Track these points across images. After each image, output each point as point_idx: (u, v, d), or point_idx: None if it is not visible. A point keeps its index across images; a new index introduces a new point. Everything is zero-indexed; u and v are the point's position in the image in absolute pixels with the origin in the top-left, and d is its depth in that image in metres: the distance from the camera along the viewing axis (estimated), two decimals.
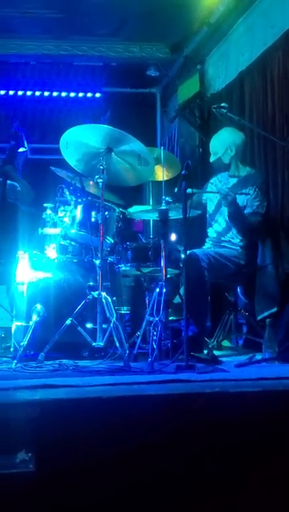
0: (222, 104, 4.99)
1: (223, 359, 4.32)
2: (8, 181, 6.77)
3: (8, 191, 6.85)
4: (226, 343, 5.24)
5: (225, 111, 4.93)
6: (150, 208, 5.14)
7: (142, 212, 4.91)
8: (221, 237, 5.06)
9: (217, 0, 6.63)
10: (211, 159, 5.21)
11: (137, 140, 4.46)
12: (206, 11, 6.87)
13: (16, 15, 7.27)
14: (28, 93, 8.83)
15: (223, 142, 5.13)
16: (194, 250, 4.72)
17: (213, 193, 5.15)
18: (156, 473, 2.87)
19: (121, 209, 5.01)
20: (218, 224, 5.11)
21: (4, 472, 2.60)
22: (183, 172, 4.22)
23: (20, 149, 8.17)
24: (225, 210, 4.97)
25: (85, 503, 2.74)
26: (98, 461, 2.80)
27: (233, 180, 5.12)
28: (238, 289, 5.19)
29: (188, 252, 4.33)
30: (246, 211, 4.91)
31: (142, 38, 8.05)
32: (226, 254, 4.87)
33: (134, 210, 5.18)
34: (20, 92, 8.81)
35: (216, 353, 4.46)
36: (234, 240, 5.00)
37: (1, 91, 8.72)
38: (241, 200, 4.88)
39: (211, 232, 5.17)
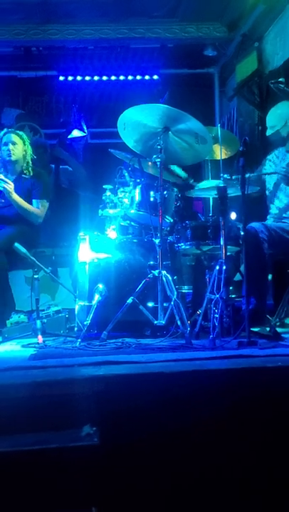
0: (280, 79, 4.95)
1: (286, 336, 4.28)
2: (60, 166, 6.91)
3: (61, 176, 6.98)
4: (288, 320, 5.18)
5: (283, 86, 4.89)
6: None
7: (201, 190, 4.89)
8: (283, 214, 5.00)
9: None
10: (268, 133, 5.13)
11: (193, 118, 4.44)
12: None
13: (74, 0, 7.31)
14: (87, 78, 8.87)
15: (282, 115, 5.03)
16: (252, 224, 4.68)
17: (272, 170, 5.10)
18: (221, 447, 2.88)
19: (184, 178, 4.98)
20: (280, 200, 5.05)
21: (70, 445, 2.66)
22: (241, 148, 4.20)
23: (79, 134, 8.32)
24: (285, 186, 4.91)
25: (147, 476, 2.78)
26: (161, 435, 2.83)
27: None
28: None
29: (247, 225, 4.33)
30: None
31: (199, 18, 7.96)
32: (287, 228, 4.80)
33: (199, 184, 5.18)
34: (79, 78, 8.85)
35: (278, 330, 4.42)
36: None
37: (61, 77, 8.79)
38: None
39: (273, 209, 5.11)
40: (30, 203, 5.47)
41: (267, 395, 2.98)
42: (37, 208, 5.48)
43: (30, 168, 5.51)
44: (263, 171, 5.17)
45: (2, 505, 2.55)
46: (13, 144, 5.45)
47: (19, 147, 5.47)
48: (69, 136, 8.49)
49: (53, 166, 7.15)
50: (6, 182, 5.29)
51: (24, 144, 5.51)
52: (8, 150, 5.43)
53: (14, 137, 5.48)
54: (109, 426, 2.75)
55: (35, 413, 2.81)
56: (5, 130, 5.58)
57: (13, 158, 5.44)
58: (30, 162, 5.54)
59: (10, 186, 5.29)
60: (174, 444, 2.84)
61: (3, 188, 5.29)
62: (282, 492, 2.88)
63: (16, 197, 5.33)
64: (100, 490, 2.59)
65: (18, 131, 5.63)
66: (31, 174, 5.51)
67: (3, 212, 5.43)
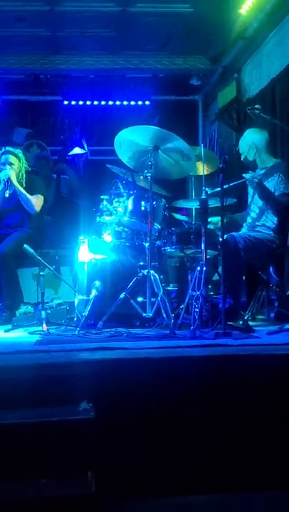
0: (256, 106, 4.97)
1: (257, 328, 4.30)
2: (61, 176, 6.93)
3: (61, 186, 6.99)
4: (259, 315, 5.22)
5: (258, 111, 4.91)
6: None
7: (186, 201, 4.93)
8: (256, 222, 5.03)
9: (251, 17, 6.58)
10: (241, 158, 5.18)
11: (179, 138, 4.45)
12: (241, 27, 6.83)
13: (77, 34, 7.35)
14: (88, 102, 8.89)
15: (246, 142, 5.09)
16: (232, 233, 4.72)
17: (250, 187, 5.13)
18: (197, 420, 2.92)
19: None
20: (253, 212, 5.09)
21: (69, 418, 2.68)
22: (220, 165, 4.24)
23: (80, 151, 8.35)
24: (258, 198, 4.96)
25: (136, 445, 2.82)
26: (147, 409, 2.87)
27: (262, 171, 5.10)
28: (271, 268, 5.16)
29: (226, 234, 4.36)
30: (275, 194, 4.88)
31: (186, 52, 8.01)
32: (259, 237, 4.83)
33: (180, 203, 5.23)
34: (80, 102, 8.87)
35: (250, 323, 4.45)
36: (267, 223, 4.95)
37: (65, 101, 8.81)
38: (270, 186, 4.86)
39: (248, 219, 5.16)
40: None
41: (239, 379, 3.01)
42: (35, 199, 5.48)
43: (23, 178, 5.50)
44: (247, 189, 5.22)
45: (8, 469, 2.58)
46: (10, 164, 5.42)
47: (15, 165, 5.46)
48: (70, 153, 8.51)
49: (55, 175, 7.16)
50: (8, 170, 5.30)
51: (20, 161, 5.49)
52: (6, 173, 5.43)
53: (11, 158, 5.42)
54: (104, 402, 2.78)
55: (39, 390, 2.83)
56: (2, 150, 5.53)
57: (11, 177, 5.42)
58: (25, 174, 5.53)
59: (12, 173, 5.30)
60: (159, 418, 2.88)
61: (6, 175, 5.27)
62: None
63: (16, 183, 5.32)
64: (95, 457, 2.62)
65: (13, 150, 5.52)
66: (25, 182, 5.51)
67: (12, 219, 5.43)
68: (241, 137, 5.23)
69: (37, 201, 5.46)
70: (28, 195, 5.40)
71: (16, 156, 5.46)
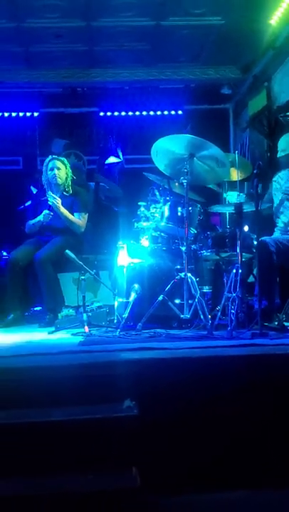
0: (287, 113, 4.92)
1: None
2: (100, 184, 7.02)
3: (99, 194, 7.06)
4: None
5: None
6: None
7: (221, 206, 4.90)
8: (288, 227, 4.99)
9: (281, 27, 6.53)
10: (279, 155, 5.06)
11: (214, 145, 4.46)
12: (271, 37, 6.78)
13: (113, 48, 7.38)
14: (123, 113, 8.92)
15: None
16: (264, 238, 4.68)
17: (277, 189, 5.08)
18: (241, 417, 2.90)
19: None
20: (285, 215, 5.02)
21: (114, 415, 2.70)
22: (255, 171, 4.20)
23: (115, 160, 8.41)
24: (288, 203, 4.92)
25: (179, 442, 2.81)
26: (188, 407, 2.86)
27: None
28: None
29: (259, 239, 4.34)
30: None
31: (217, 62, 7.98)
32: None
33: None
34: (116, 113, 8.91)
35: (285, 324, 4.41)
36: None
37: (101, 112, 8.86)
38: None
39: (279, 223, 5.08)
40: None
41: (277, 376, 2.99)
42: (79, 219, 5.54)
43: (70, 187, 5.57)
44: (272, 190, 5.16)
45: (56, 464, 2.60)
46: (58, 169, 5.51)
47: (62, 171, 5.53)
48: (106, 162, 8.56)
49: (93, 184, 7.23)
50: (55, 198, 5.37)
51: (66, 168, 5.57)
52: (54, 175, 5.50)
53: (58, 163, 5.53)
54: (147, 400, 2.78)
55: (83, 389, 2.86)
56: (50, 157, 5.61)
57: (59, 181, 5.50)
58: (71, 182, 5.60)
59: (58, 201, 5.37)
60: (199, 414, 2.87)
61: (52, 203, 5.36)
62: None
63: (63, 210, 5.39)
64: (139, 453, 2.62)
65: (60, 158, 5.64)
66: (71, 192, 5.57)
67: (53, 224, 5.48)
68: (286, 135, 5.07)
69: (81, 222, 5.53)
70: (73, 219, 5.45)
71: (62, 162, 5.56)
